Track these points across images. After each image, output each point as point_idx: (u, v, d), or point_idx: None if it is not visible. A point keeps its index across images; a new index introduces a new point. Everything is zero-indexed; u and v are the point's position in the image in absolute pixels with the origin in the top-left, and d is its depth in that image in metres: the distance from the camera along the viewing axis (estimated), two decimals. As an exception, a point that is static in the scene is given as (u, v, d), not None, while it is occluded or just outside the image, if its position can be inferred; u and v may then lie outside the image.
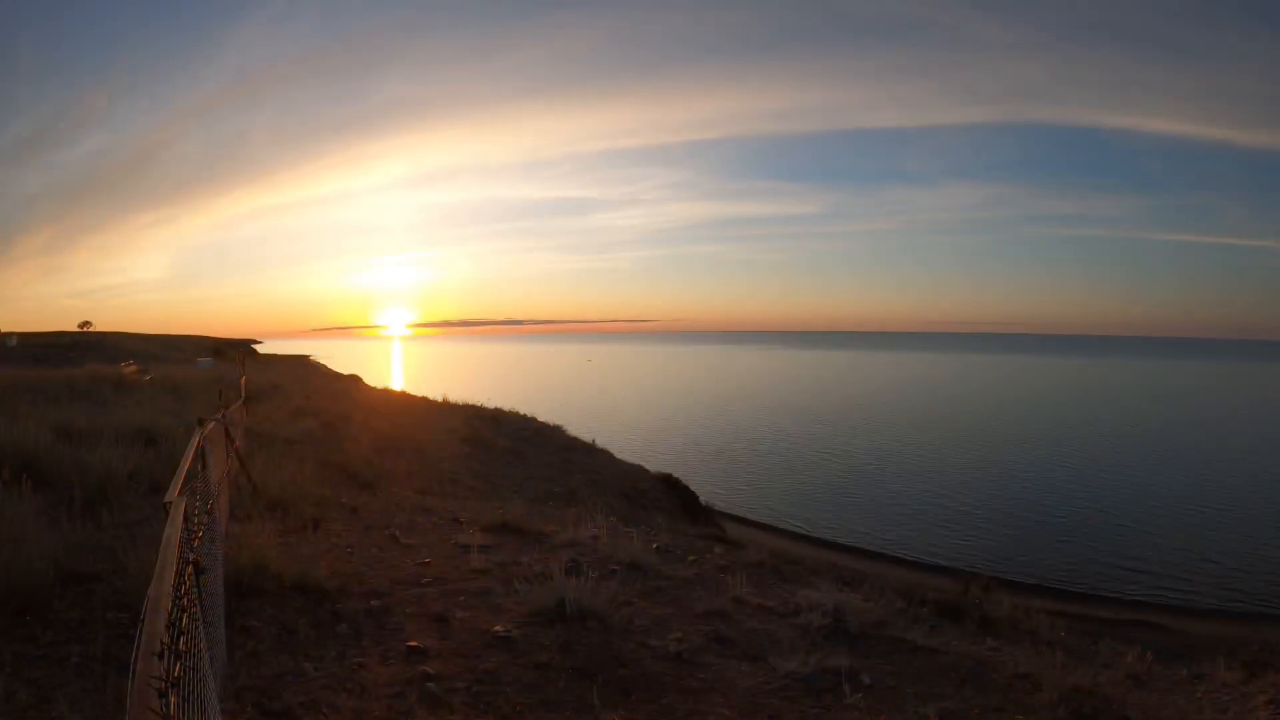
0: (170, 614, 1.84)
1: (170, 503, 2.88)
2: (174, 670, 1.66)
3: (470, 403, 25.13)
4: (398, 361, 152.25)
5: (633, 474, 20.69)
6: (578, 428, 25.14)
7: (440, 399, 25.98)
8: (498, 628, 5.27)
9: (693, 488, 22.62)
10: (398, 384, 49.49)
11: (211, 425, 6.39)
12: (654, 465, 23.80)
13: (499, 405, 25.28)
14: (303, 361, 67.84)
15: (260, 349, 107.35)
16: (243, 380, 18.00)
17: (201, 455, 4.77)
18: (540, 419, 24.56)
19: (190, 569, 2.55)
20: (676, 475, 22.76)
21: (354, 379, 39.81)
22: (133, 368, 27.22)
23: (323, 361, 70.25)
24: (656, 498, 19.22)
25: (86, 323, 76.00)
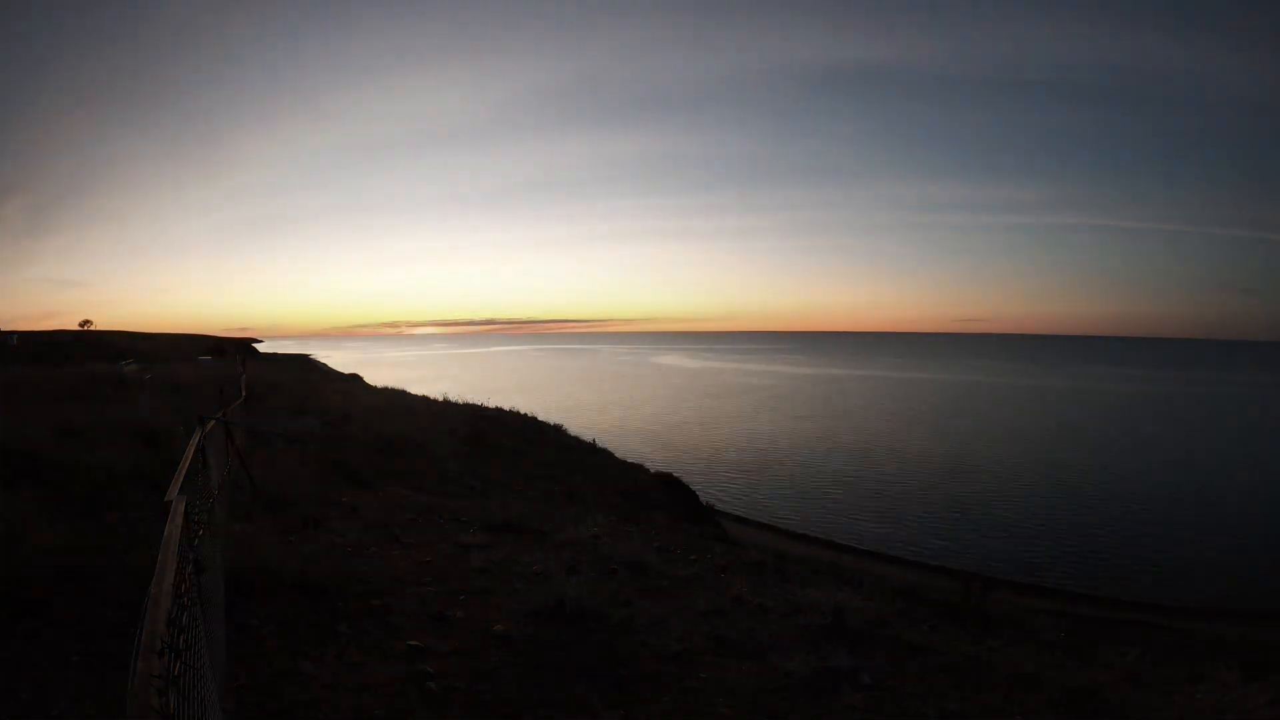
0: (170, 612, 1.84)
1: (171, 501, 2.88)
2: (174, 669, 1.66)
3: (471, 402, 25.18)
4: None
5: (633, 473, 20.69)
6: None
7: (440, 398, 26.02)
8: (498, 627, 5.27)
9: (709, 489, 22.56)
10: (398, 384, 49.46)
11: (212, 424, 6.39)
12: (657, 466, 23.82)
13: (499, 405, 25.32)
14: (303, 360, 67.96)
15: (260, 348, 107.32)
16: (243, 379, 18.03)
17: (202, 454, 4.77)
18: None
19: (191, 567, 2.55)
20: (678, 475, 22.80)
21: (355, 378, 39.86)
22: (133, 366, 27.26)
23: (323, 360, 70.31)
24: (656, 497, 19.21)
25: (87, 321, 76.19)
